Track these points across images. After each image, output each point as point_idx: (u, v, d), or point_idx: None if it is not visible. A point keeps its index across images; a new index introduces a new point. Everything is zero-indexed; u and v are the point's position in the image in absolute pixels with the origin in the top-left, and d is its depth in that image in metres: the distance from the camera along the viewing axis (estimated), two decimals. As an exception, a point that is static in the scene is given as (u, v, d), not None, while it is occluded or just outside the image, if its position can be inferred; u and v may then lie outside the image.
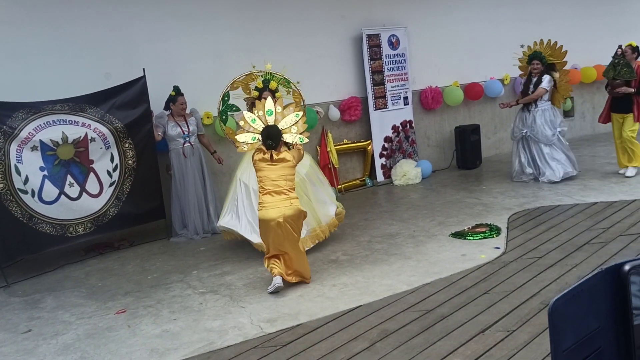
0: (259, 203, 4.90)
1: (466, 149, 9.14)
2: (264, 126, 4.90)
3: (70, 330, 4.48)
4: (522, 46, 7.71)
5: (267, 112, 4.96)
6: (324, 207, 5.88)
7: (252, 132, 4.92)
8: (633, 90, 7.25)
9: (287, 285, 4.98)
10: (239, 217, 5.71)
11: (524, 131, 7.68)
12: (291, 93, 6.12)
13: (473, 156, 9.21)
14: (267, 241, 4.88)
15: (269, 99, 5.14)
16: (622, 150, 7.61)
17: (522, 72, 8.01)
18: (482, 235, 5.75)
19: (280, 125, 4.91)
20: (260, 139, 4.88)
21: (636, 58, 7.45)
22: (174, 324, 4.41)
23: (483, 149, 9.51)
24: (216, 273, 5.48)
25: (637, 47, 7.53)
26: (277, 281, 4.80)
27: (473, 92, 9.56)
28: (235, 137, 5.10)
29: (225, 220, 5.83)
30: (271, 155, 4.82)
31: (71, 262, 6.18)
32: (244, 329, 4.21)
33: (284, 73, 6.08)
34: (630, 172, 7.53)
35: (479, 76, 9.60)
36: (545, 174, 7.61)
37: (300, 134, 4.95)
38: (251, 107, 5.98)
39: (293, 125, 4.94)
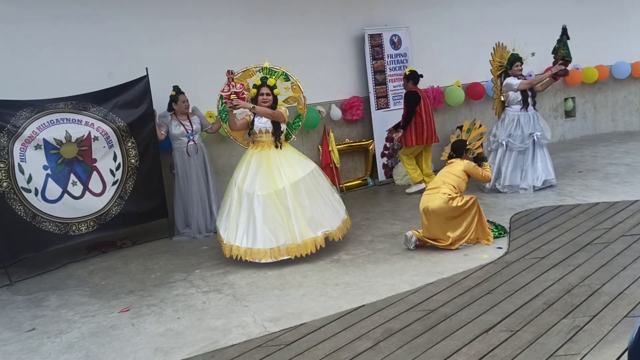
0: None
1: (468, 148, 9.13)
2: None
3: (74, 328, 4.49)
4: (533, 54, 7.47)
5: None
6: (315, 220, 5.56)
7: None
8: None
9: (291, 284, 5.01)
10: (226, 225, 5.61)
11: (537, 134, 7.33)
12: (290, 88, 6.06)
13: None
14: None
15: None
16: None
17: (493, 76, 7.84)
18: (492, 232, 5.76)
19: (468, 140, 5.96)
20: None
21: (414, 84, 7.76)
22: (177, 323, 4.42)
23: (485, 147, 9.49)
24: (219, 272, 5.49)
25: (410, 73, 7.77)
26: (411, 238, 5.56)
27: (474, 92, 9.58)
28: None
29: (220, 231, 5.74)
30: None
31: (74, 260, 6.19)
32: (248, 328, 4.22)
33: (285, 68, 6.01)
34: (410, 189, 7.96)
35: (481, 76, 9.59)
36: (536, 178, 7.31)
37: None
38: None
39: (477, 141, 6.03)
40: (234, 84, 5.63)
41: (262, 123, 5.71)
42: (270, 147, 5.71)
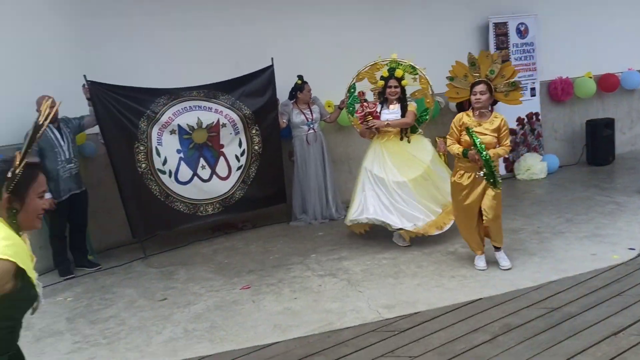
0: None
1: (598, 144, 8.59)
2: None
3: (200, 301, 4.81)
4: None
5: None
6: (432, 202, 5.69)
7: None
8: None
9: (405, 273, 5.01)
10: (367, 206, 5.69)
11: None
12: (417, 80, 6.00)
13: (605, 152, 8.64)
14: None
15: None
16: None
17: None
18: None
19: None
20: None
21: None
22: (294, 303, 4.59)
23: (617, 144, 8.87)
24: (334, 257, 5.60)
25: None
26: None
27: (608, 84, 8.93)
28: None
29: (354, 214, 5.78)
30: None
31: (200, 239, 6.59)
32: (362, 313, 4.29)
33: (411, 60, 5.94)
34: None
35: (616, 66, 8.94)
36: None
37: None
38: (378, 97, 5.95)
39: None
40: (366, 105, 5.80)
41: (389, 114, 5.75)
42: (396, 137, 5.78)
